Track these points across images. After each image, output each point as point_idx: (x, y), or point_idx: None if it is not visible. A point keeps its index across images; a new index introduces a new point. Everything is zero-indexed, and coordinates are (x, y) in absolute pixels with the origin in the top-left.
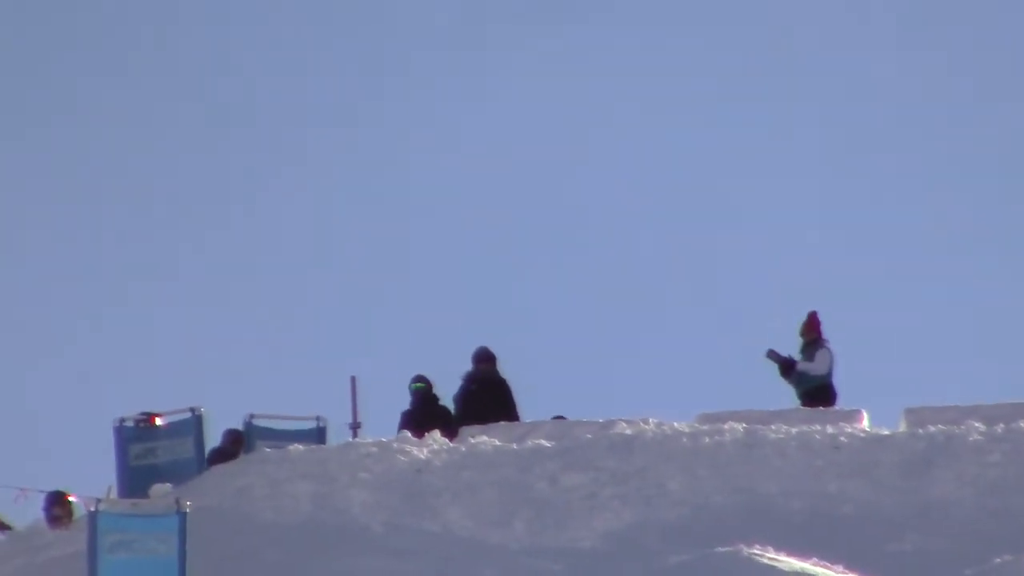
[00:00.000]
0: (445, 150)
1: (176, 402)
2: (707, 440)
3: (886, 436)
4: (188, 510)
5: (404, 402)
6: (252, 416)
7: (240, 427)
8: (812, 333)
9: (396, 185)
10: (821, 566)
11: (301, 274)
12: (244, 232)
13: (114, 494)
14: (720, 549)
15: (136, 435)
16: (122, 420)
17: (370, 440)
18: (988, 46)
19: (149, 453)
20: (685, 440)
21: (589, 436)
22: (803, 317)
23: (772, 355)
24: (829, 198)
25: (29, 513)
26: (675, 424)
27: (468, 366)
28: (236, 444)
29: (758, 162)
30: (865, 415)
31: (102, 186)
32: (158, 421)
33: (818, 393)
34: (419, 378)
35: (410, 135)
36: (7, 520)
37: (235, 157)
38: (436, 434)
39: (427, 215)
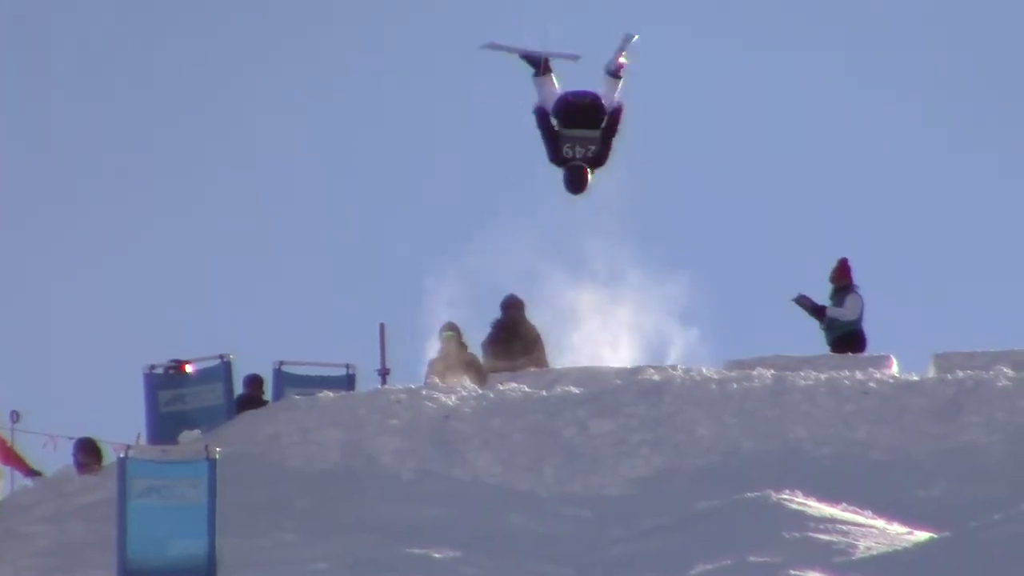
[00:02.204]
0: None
1: (206, 350)
2: (735, 386)
3: (915, 382)
4: (218, 457)
5: (432, 349)
6: (281, 363)
7: (269, 374)
8: (843, 279)
9: (427, 126)
10: (850, 511)
11: (329, 221)
12: (272, 178)
13: (144, 441)
14: (749, 495)
15: (166, 382)
16: (152, 367)
17: (399, 387)
18: None
19: (178, 400)
20: (713, 386)
21: (618, 382)
22: (833, 263)
23: (802, 300)
24: (857, 143)
25: (58, 459)
26: (703, 370)
27: (497, 313)
28: (258, 389)
29: (785, 101)
30: (894, 361)
31: (121, 119)
32: (188, 369)
33: (848, 339)
34: (449, 326)
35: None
36: (37, 466)
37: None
38: (465, 380)
39: (456, 156)
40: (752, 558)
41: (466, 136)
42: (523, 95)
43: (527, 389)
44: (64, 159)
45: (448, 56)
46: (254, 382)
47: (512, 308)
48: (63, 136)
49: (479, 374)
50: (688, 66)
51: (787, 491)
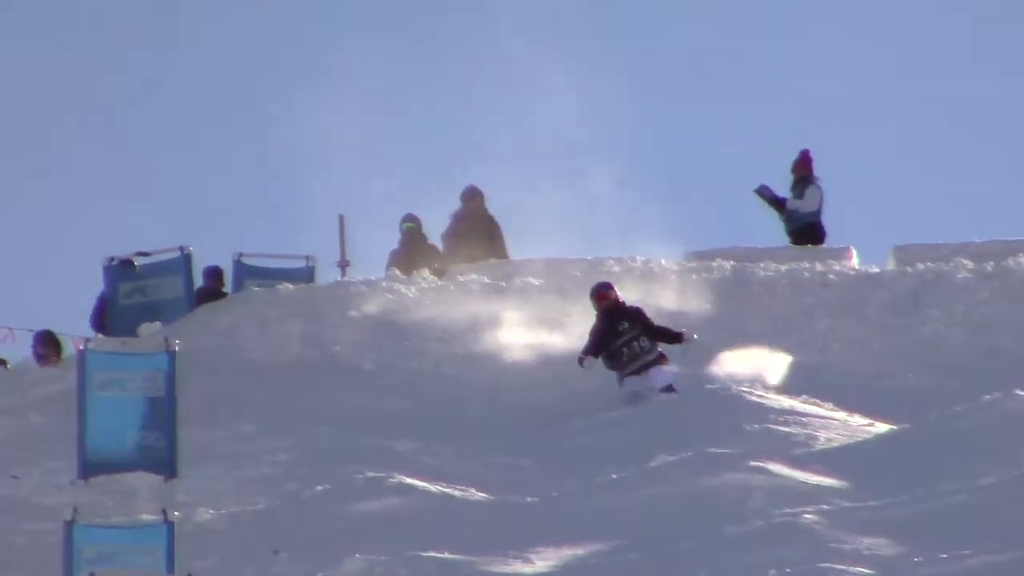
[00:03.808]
0: None
1: (166, 242)
2: (695, 278)
3: (875, 274)
4: (177, 349)
5: (392, 240)
6: (241, 255)
7: (229, 266)
8: (803, 170)
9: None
10: (811, 403)
11: (286, 106)
12: (232, 68)
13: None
14: (709, 386)
15: (125, 274)
16: (111, 259)
17: (359, 279)
18: None
19: (138, 292)
20: (673, 278)
21: (578, 274)
22: (795, 155)
23: (762, 191)
24: (821, 32)
25: (17, 352)
26: (663, 261)
27: (457, 204)
28: (218, 281)
29: None
30: (854, 253)
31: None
32: (142, 261)
33: (807, 231)
34: (409, 217)
35: None
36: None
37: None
38: (425, 272)
39: (430, 45)
40: (712, 449)
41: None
42: None
43: (487, 281)
44: (32, 54)
45: None
46: (214, 274)
47: (472, 199)
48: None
49: (439, 266)
50: None
51: (747, 383)
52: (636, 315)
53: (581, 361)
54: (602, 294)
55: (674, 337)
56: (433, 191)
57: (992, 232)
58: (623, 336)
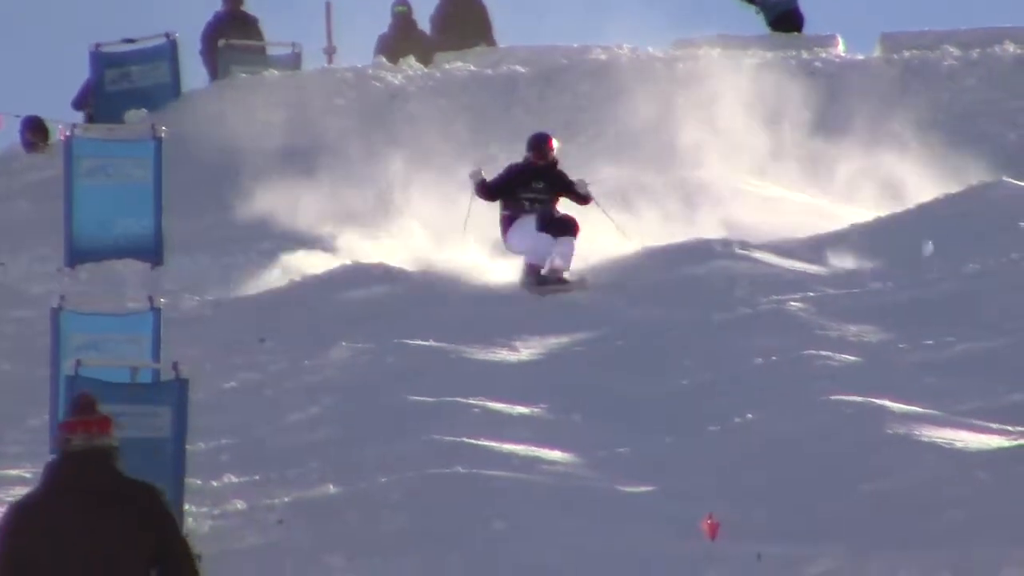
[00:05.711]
0: None
1: (152, 29)
2: (681, 66)
3: (861, 61)
4: (164, 135)
5: (380, 26)
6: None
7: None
8: None
9: None
10: (797, 191)
11: None
12: None
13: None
14: (693, 172)
15: (111, 60)
16: (98, 45)
17: (345, 66)
18: None
19: (125, 78)
20: (659, 65)
21: (565, 61)
22: None
23: None
24: None
25: (5, 138)
26: (650, 49)
27: None
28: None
29: None
30: (840, 40)
31: None
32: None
33: (785, 19)
34: (400, 0)
35: None
36: None
37: None
38: (411, 60)
39: None
40: (698, 236)
41: None
42: None
43: (473, 68)
44: None
45: None
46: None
47: None
48: None
49: (426, 53)
50: None
51: (728, 169)
52: (557, 177)
53: (476, 190)
54: (542, 152)
55: (582, 199)
56: None
57: (978, 19)
58: (531, 194)
